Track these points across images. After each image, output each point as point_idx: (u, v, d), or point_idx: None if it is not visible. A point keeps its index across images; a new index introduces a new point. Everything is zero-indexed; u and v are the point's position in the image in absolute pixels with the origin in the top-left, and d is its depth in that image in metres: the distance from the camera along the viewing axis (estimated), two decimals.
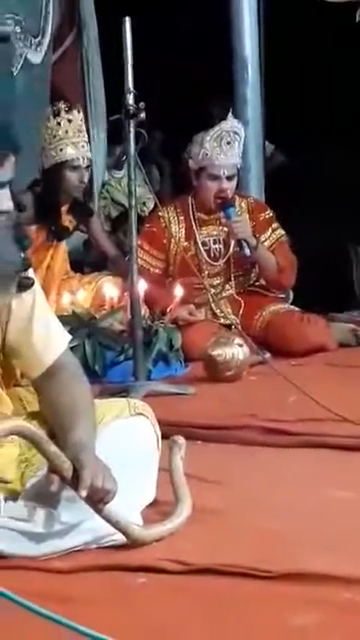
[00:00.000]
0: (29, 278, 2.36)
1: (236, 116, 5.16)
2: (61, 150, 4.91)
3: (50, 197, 4.94)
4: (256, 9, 6.04)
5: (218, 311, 4.91)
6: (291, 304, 5.12)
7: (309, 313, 4.93)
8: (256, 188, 6.00)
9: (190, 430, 3.20)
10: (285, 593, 2.01)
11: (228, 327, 4.78)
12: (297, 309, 5.02)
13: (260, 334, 4.76)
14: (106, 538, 2.26)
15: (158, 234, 4.93)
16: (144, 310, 4.28)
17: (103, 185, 6.66)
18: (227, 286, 5.01)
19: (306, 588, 2.01)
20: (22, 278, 2.33)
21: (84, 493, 2.14)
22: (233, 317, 4.86)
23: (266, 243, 4.98)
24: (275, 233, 5.04)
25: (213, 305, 4.91)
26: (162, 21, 6.84)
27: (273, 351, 4.58)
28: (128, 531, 2.24)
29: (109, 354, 4.25)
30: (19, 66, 5.68)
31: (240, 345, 4.17)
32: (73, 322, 4.15)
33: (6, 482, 2.26)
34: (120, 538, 2.25)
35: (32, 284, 2.37)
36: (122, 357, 4.22)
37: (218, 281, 5.00)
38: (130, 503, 2.30)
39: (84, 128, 5.02)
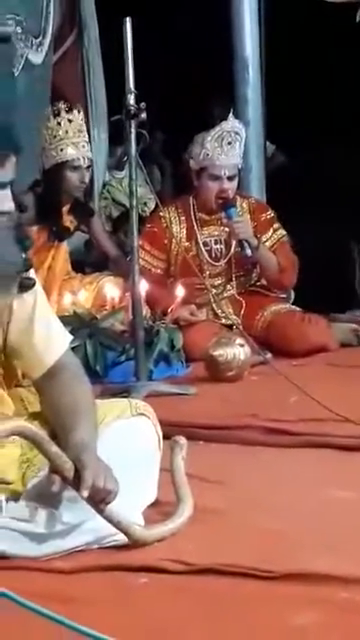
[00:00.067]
0: (30, 279, 2.36)
1: (237, 116, 5.16)
2: (61, 150, 4.91)
3: (51, 197, 4.94)
4: (257, 9, 6.04)
5: (219, 311, 4.91)
6: (292, 304, 5.12)
7: (310, 313, 4.93)
8: (257, 188, 6.00)
9: (191, 430, 3.20)
10: (286, 593, 2.01)
11: (229, 327, 4.78)
12: (298, 309, 5.02)
13: (261, 334, 4.76)
14: (108, 538, 2.26)
15: (159, 234, 4.93)
16: (145, 310, 4.28)
17: (104, 185, 6.66)
18: (228, 286, 5.01)
19: (307, 588, 2.02)
20: (23, 279, 2.33)
21: (85, 493, 2.14)
22: (234, 317, 4.86)
23: (267, 243, 4.98)
24: (276, 233, 5.04)
25: (214, 305, 4.91)
26: (163, 21, 6.85)
27: (274, 351, 4.58)
28: (129, 531, 2.24)
29: (110, 354, 4.25)
30: (20, 66, 5.68)
31: (241, 345, 4.17)
32: (74, 322, 4.15)
33: (8, 483, 2.26)
34: (122, 538, 2.25)
35: (33, 284, 2.37)
36: (123, 357, 4.22)
37: (219, 281, 5.00)
38: (131, 503, 2.30)
39: (84, 128, 5.02)
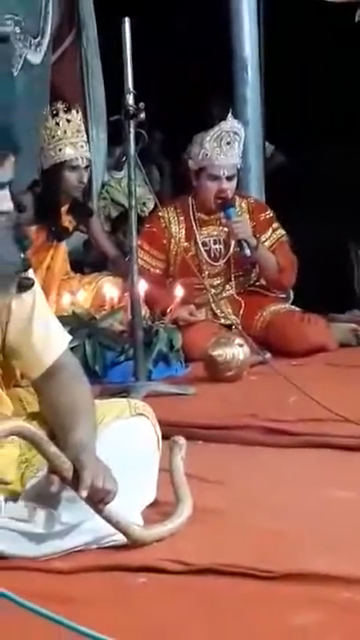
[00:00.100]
0: (29, 279, 2.36)
1: (236, 116, 5.16)
2: (60, 150, 4.91)
3: (50, 197, 4.94)
4: (255, 9, 6.04)
5: (218, 311, 4.91)
6: (291, 304, 5.12)
7: (309, 313, 4.93)
8: (256, 188, 6.00)
9: (191, 430, 3.20)
10: (286, 593, 2.01)
11: (228, 327, 4.78)
12: (297, 309, 5.02)
13: (260, 334, 4.76)
14: (107, 538, 2.25)
15: (158, 234, 4.93)
16: (144, 310, 4.28)
17: (103, 186, 6.66)
18: (227, 286, 5.01)
19: (307, 588, 2.01)
20: (22, 279, 2.33)
21: (84, 493, 2.14)
22: (233, 317, 4.85)
23: (266, 243, 4.98)
24: (275, 233, 5.04)
25: (213, 305, 4.91)
26: (161, 21, 6.85)
27: (273, 351, 4.58)
28: (129, 531, 2.24)
29: (109, 354, 4.25)
30: (19, 66, 5.69)
31: (240, 345, 4.17)
32: (73, 322, 4.15)
33: (6, 483, 2.26)
34: (121, 538, 2.25)
35: (32, 285, 2.37)
36: (122, 357, 4.22)
37: (218, 281, 5.00)
38: (130, 503, 2.30)
39: (83, 128, 5.02)
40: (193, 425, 3.33)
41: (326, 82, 6.97)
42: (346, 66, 6.56)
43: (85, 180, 5.02)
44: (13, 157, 2.26)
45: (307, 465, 3.02)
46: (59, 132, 4.90)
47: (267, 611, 1.94)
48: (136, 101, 3.94)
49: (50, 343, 2.40)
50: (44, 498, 2.21)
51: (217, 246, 4.99)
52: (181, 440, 2.60)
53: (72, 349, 2.58)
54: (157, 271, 4.91)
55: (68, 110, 4.93)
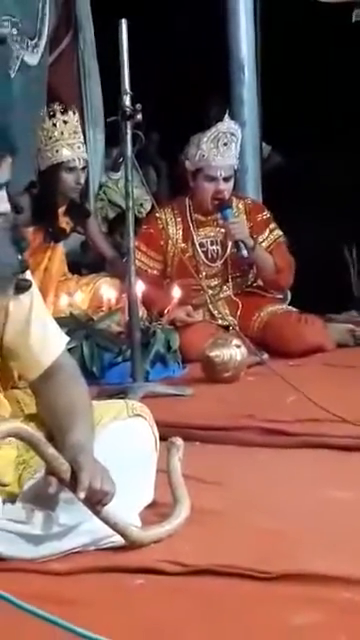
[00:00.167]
0: (26, 280, 2.36)
1: (233, 117, 5.17)
2: (57, 151, 4.91)
3: (47, 199, 4.94)
4: (252, 10, 6.05)
5: (216, 312, 4.90)
6: (289, 305, 5.12)
7: (307, 314, 4.93)
8: (253, 189, 6.01)
9: (188, 431, 3.20)
10: (284, 593, 2.00)
11: (226, 328, 4.78)
12: (295, 310, 5.02)
13: (258, 335, 4.76)
14: (104, 540, 2.25)
15: (155, 236, 4.93)
16: (142, 311, 4.28)
17: (100, 187, 6.66)
18: (225, 287, 5.01)
19: (305, 588, 2.01)
20: (19, 280, 2.33)
21: (82, 495, 2.13)
22: (231, 318, 4.85)
23: (264, 244, 4.98)
24: (273, 234, 5.04)
25: (211, 306, 4.91)
26: (158, 23, 6.85)
27: (271, 352, 4.59)
28: (126, 533, 2.24)
29: (107, 355, 4.25)
30: (16, 68, 5.69)
31: (238, 346, 4.17)
32: (71, 324, 4.15)
33: (4, 485, 2.26)
34: (118, 540, 2.25)
35: (29, 286, 2.36)
36: (120, 358, 4.22)
37: (216, 282, 5.00)
38: (128, 505, 2.30)
39: (80, 129, 5.02)
40: (191, 426, 3.33)
41: (323, 83, 6.98)
42: (343, 67, 6.57)
43: (82, 181, 5.02)
44: (10, 158, 2.26)
45: (305, 465, 3.02)
46: (56, 133, 4.90)
47: (266, 612, 1.94)
48: (133, 102, 3.94)
49: (48, 344, 2.40)
50: (42, 500, 2.21)
51: (214, 247, 4.99)
52: (179, 441, 2.60)
53: (70, 350, 2.58)
54: (154, 272, 4.91)
55: (65, 111, 4.93)
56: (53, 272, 4.98)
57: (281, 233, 5.06)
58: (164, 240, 4.93)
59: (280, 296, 5.15)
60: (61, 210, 5.03)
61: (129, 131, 3.97)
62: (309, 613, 1.91)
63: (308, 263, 5.18)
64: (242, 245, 4.80)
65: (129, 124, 3.95)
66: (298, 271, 5.09)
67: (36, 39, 5.89)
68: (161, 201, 5.33)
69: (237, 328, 4.51)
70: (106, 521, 2.21)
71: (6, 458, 2.31)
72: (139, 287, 4.08)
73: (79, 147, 4.96)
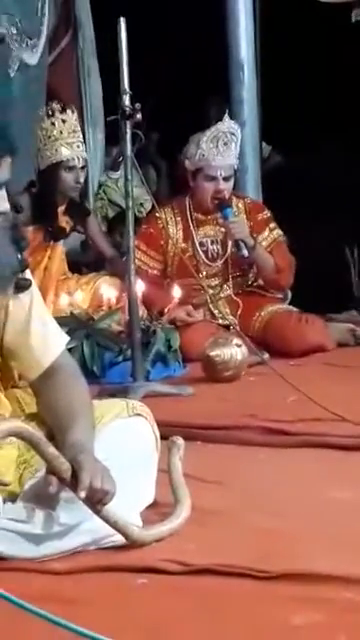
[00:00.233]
0: (26, 279, 2.35)
1: (232, 117, 5.17)
2: (56, 150, 4.90)
3: (46, 198, 4.94)
4: (252, 9, 6.05)
5: (216, 312, 4.90)
6: (289, 304, 5.12)
7: (307, 313, 4.93)
8: (253, 189, 6.01)
9: (189, 430, 3.20)
10: (285, 593, 2.00)
11: (226, 327, 4.78)
12: (295, 309, 5.02)
13: (258, 334, 4.75)
14: (105, 539, 2.25)
15: (155, 235, 4.93)
16: (142, 311, 4.28)
17: (100, 186, 6.66)
18: (225, 286, 5.01)
19: (306, 588, 2.01)
20: (19, 279, 2.33)
21: (83, 494, 2.13)
22: (231, 317, 4.85)
23: (264, 243, 4.98)
24: (273, 233, 5.04)
25: (211, 306, 4.91)
26: (158, 22, 6.85)
27: (271, 351, 4.59)
28: (127, 532, 2.24)
29: (107, 355, 4.25)
30: (15, 67, 5.69)
31: (238, 345, 4.17)
32: (71, 323, 4.15)
33: (5, 484, 2.26)
34: (119, 539, 2.25)
35: (29, 285, 2.36)
36: (120, 358, 4.22)
37: (216, 282, 5.00)
38: (129, 504, 2.30)
39: (79, 128, 5.02)
40: (191, 425, 3.33)
41: (323, 82, 6.98)
42: (343, 66, 6.57)
43: (82, 180, 5.02)
44: (10, 158, 2.26)
45: (305, 465, 3.01)
46: (55, 132, 4.89)
47: (266, 611, 1.94)
48: (132, 101, 3.94)
49: (48, 344, 2.40)
50: (42, 499, 2.21)
51: (214, 246, 4.99)
52: (179, 440, 2.60)
53: (70, 350, 2.58)
54: (154, 272, 4.91)
55: (63, 110, 4.92)
56: (53, 271, 4.98)
57: (281, 232, 5.06)
58: (164, 240, 4.93)
59: (280, 295, 5.15)
60: (61, 209, 5.03)
61: (129, 130, 3.97)
62: (309, 613, 1.91)
63: (308, 262, 5.18)
64: (242, 244, 4.79)
65: (129, 123, 3.95)
66: (298, 270, 5.09)
67: (35, 39, 5.89)
68: (161, 200, 5.33)
69: (237, 327, 4.51)
70: (107, 520, 2.21)
71: (7, 457, 2.31)
72: (139, 286, 4.08)
73: (78, 146, 4.96)
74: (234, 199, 5.00)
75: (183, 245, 4.94)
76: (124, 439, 2.37)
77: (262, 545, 2.25)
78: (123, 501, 2.23)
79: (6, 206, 2.26)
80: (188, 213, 4.97)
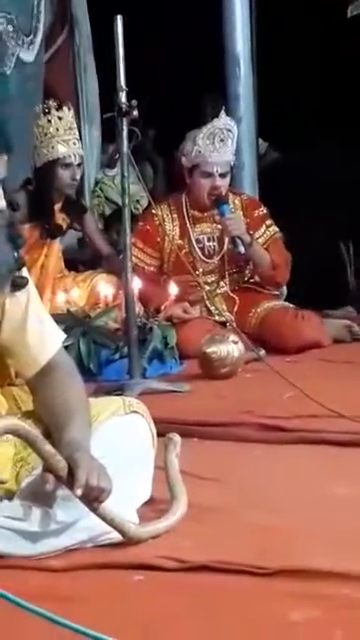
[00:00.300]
0: (23, 277, 2.35)
1: (229, 113, 5.16)
2: (52, 148, 4.89)
3: (43, 195, 4.93)
4: (248, 5, 6.05)
5: (213, 308, 4.90)
6: (285, 301, 5.13)
7: (303, 310, 4.93)
8: (250, 185, 6.01)
9: (185, 427, 3.20)
10: (282, 589, 2.00)
11: (223, 324, 4.78)
12: (291, 306, 5.02)
13: (255, 331, 4.76)
14: (102, 536, 2.25)
15: (152, 232, 4.93)
16: (139, 308, 4.28)
17: (96, 183, 6.66)
18: (222, 283, 5.01)
19: (303, 584, 2.01)
20: (16, 277, 2.33)
21: (79, 492, 2.13)
22: (228, 314, 4.85)
23: (260, 240, 4.98)
24: (269, 230, 5.04)
25: (208, 302, 4.91)
26: (154, 19, 6.84)
27: (268, 348, 4.59)
28: (124, 529, 2.24)
29: (104, 352, 4.25)
30: (12, 65, 5.68)
31: (235, 342, 4.17)
32: (68, 321, 4.14)
33: (2, 482, 2.26)
34: (116, 536, 2.25)
35: (26, 283, 2.36)
36: (117, 355, 4.22)
37: (212, 278, 5.00)
38: (126, 501, 2.30)
39: (75, 125, 5.01)
40: (188, 422, 3.33)
41: (319, 78, 6.98)
42: (339, 62, 6.57)
43: (78, 177, 5.02)
44: (6, 155, 2.26)
45: (302, 461, 3.02)
46: (51, 129, 4.89)
47: (264, 607, 1.94)
48: (129, 98, 3.94)
49: (44, 342, 2.40)
50: (39, 497, 2.21)
51: (211, 243, 4.99)
52: (176, 437, 2.60)
53: (67, 347, 2.59)
54: (151, 269, 4.91)
55: (59, 107, 4.92)
56: (50, 269, 4.98)
57: (277, 229, 5.06)
58: (161, 237, 4.93)
59: (277, 292, 5.15)
60: (57, 207, 5.02)
61: (125, 127, 3.96)
62: (307, 609, 1.91)
63: (305, 259, 5.18)
64: (239, 241, 4.79)
65: (125, 120, 3.95)
66: (294, 267, 5.09)
67: (32, 36, 5.88)
68: (157, 197, 5.33)
69: (234, 324, 4.51)
70: (103, 518, 2.21)
71: (4, 455, 2.31)
72: (136, 284, 4.08)
73: (74, 143, 4.95)
74: (230, 195, 5.00)
75: (179, 242, 4.94)
76: (120, 436, 2.37)
77: (259, 541, 2.26)
78: (119, 498, 2.23)
79: (2, 204, 2.26)
80: (184, 210, 4.97)
